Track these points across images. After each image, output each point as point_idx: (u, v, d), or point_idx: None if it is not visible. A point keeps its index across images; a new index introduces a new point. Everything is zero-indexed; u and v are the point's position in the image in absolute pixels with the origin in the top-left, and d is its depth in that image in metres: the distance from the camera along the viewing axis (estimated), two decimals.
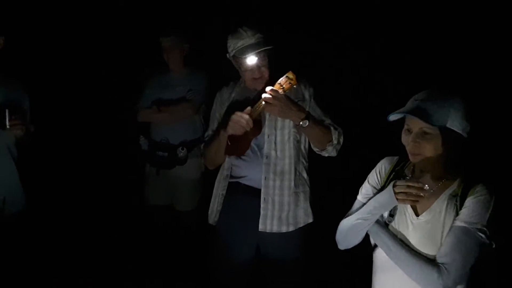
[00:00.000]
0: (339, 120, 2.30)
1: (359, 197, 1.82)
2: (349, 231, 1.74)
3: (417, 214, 1.61)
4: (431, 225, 1.57)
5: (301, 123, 2.08)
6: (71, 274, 3.24)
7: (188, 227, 3.39)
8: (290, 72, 2.05)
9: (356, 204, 1.81)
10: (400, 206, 1.64)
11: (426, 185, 1.55)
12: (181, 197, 3.37)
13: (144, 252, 3.41)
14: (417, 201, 1.55)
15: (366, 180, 1.83)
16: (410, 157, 1.59)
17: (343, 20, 3.48)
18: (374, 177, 1.80)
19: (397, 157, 1.77)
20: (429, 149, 1.53)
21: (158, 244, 3.42)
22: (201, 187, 3.36)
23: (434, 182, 1.61)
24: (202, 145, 2.47)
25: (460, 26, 3.22)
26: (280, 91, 2.04)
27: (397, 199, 1.57)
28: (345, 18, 3.50)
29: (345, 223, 1.75)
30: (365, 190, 1.81)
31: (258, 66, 2.24)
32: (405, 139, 1.59)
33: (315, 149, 2.30)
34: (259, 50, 2.19)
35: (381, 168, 1.80)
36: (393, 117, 1.55)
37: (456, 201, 1.55)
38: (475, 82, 3.14)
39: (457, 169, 1.60)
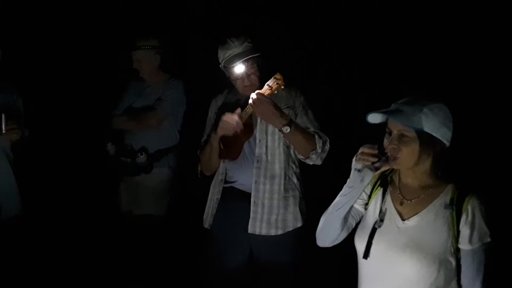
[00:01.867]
0: (329, 128, 2.39)
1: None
2: (325, 221, 1.77)
3: (403, 219, 1.64)
4: (419, 231, 1.59)
5: (282, 128, 2.19)
6: (67, 277, 3.27)
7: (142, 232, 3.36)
8: (278, 73, 2.18)
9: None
10: (388, 211, 1.68)
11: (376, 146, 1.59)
12: (142, 203, 3.36)
13: (138, 256, 3.39)
14: (371, 163, 1.57)
15: None
16: (391, 163, 1.61)
17: (339, 24, 3.55)
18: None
19: None
20: (407, 153, 1.56)
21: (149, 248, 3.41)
22: (166, 197, 3.40)
23: (421, 189, 1.64)
24: (198, 150, 2.57)
25: (455, 29, 3.26)
26: (268, 92, 2.17)
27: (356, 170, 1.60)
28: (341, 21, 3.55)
29: (323, 216, 1.79)
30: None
31: (247, 74, 2.36)
32: (386, 143, 1.62)
33: (300, 157, 2.40)
34: (246, 58, 2.31)
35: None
36: (372, 118, 1.60)
37: (452, 209, 1.57)
38: (466, 85, 3.18)
39: (446, 177, 1.63)
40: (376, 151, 1.56)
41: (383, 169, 1.62)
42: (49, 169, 3.66)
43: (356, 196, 1.67)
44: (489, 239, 1.52)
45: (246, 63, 2.32)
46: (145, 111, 3.32)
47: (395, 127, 1.57)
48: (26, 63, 3.70)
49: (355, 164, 1.60)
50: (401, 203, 1.66)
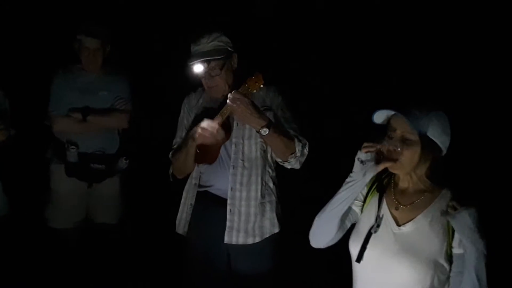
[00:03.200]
0: (309, 128, 2.37)
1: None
2: (321, 220, 1.77)
3: (398, 224, 1.66)
4: (414, 237, 1.61)
5: (261, 130, 2.13)
6: (54, 277, 3.11)
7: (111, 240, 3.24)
8: (257, 72, 2.13)
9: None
10: (385, 216, 1.70)
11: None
12: (102, 209, 3.18)
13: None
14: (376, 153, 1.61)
15: None
16: (389, 167, 1.64)
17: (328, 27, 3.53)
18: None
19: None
20: (408, 156, 1.58)
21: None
22: (124, 201, 3.26)
23: (416, 194, 1.67)
24: (171, 153, 2.48)
25: (450, 32, 3.35)
26: (246, 91, 2.12)
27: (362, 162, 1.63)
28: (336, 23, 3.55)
29: (317, 216, 1.79)
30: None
31: (209, 75, 2.29)
32: (384, 145, 1.62)
33: (278, 160, 2.35)
34: (204, 59, 2.24)
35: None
36: (377, 117, 1.63)
37: (446, 216, 1.58)
38: (461, 90, 3.27)
39: (440, 182, 1.66)
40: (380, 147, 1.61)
41: (382, 166, 1.62)
42: (35, 169, 3.39)
43: (356, 192, 1.70)
44: (481, 246, 1.52)
45: (206, 64, 2.25)
46: (104, 111, 3.05)
47: (400, 127, 1.59)
48: (10, 63, 3.46)
49: (359, 154, 1.64)
50: (397, 208, 1.69)
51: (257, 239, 2.36)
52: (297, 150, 2.25)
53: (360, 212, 1.80)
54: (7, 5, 3.59)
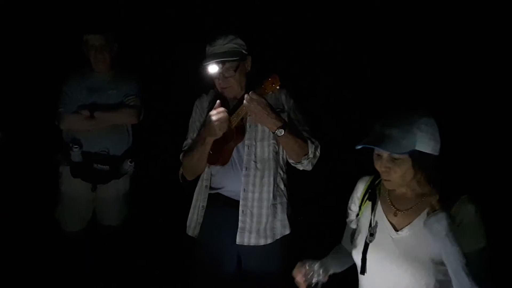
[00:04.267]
0: (318, 133, 2.40)
1: (347, 220, 1.95)
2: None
3: (396, 229, 1.68)
4: (413, 241, 1.63)
5: (276, 131, 2.17)
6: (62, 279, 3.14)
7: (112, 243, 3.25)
8: (274, 74, 2.17)
9: (346, 229, 1.95)
10: (380, 224, 1.72)
11: None
12: (108, 211, 3.21)
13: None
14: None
15: (349, 203, 1.93)
16: (384, 183, 1.69)
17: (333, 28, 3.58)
18: (352, 201, 1.90)
19: (372, 176, 1.85)
20: (400, 173, 1.61)
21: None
22: (129, 202, 3.27)
23: (415, 198, 1.68)
24: (181, 154, 2.50)
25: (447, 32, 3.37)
26: (262, 92, 2.16)
27: None
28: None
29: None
30: (348, 214, 1.93)
31: (223, 76, 2.32)
32: (377, 164, 1.66)
33: (290, 161, 2.39)
34: (219, 60, 2.27)
35: (356, 190, 1.89)
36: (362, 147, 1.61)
37: (445, 215, 1.56)
38: (455, 89, 3.31)
39: (439, 183, 1.67)
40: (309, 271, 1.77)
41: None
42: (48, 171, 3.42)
43: None
44: (483, 244, 1.55)
45: (221, 65, 2.28)
46: (112, 108, 3.06)
47: (385, 152, 1.62)
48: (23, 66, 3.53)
49: None
50: (395, 214, 1.70)
51: (269, 240, 2.39)
52: (310, 152, 2.28)
53: (356, 223, 1.85)
54: (15, 8, 3.64)
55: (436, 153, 1.60)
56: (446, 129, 1.65)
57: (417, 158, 1.57)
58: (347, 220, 1.94)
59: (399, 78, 3.38)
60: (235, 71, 2.33)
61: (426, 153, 1.57)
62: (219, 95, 2.44)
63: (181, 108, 2.70)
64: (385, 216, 1.73)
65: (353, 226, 1.88)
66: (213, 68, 2.29)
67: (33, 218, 3.42)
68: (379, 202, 1.76)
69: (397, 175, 1.61)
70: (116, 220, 3.24)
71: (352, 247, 1.81)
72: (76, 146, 3.02)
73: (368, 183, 1.85)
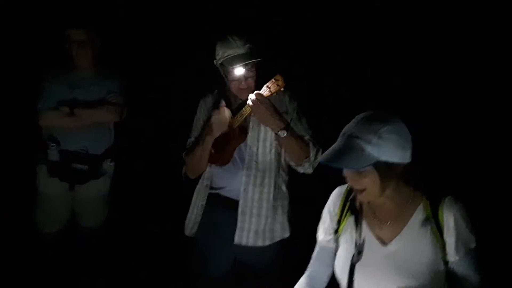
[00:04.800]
0: (321, 137, 2.39)
1: (319, 239, 1.80)
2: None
3: (384, 243, 1.58)
4: (403, 254, 1.53)
5: (279, 132, 2.19)
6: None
7: (91, 245, 3.15)
8: (278, 75, 2.18)
9: (316, 250, 1.80)
10: (367, 240, 1.61)
11: None
12: (87, 212, 3.10)
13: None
14: None
15: (321, 220, 1.80)
16: (357, 196, 1.57)
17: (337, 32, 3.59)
18: (327, 216, 1.76)
19: (348, 185, 1.71)
20: (369, 183, 1.49)
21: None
22: (108, 203, 3.18)
23: (397, 207, 1.58)
24: (184, 153, 2.49)
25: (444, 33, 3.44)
26: (267, 94, 2.17)
27: None
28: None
29: None
30: (322, 232, 1.78)
31: (245, 77, 2.32)
32: (344, 175, 1.56)
33: (291, 163, 2.41)
34: (247, 62, 2.27)
35: (332, 204, 1.76)
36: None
37: (432, 223, 1.53)
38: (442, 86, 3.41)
39: (420, 186, 1.59)
40: None
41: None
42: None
43: None
44: (474, 245, 1.53)
45: (246, 66, 2.28)
46: (94, 104, 2.94)
47: None
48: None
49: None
50: (381, 228, 1.60)
51: (267, 242, 2.39)
52: (311, 155, 2.30)
53: (334, 244, 1.72)
54: None
55: (406, 161, 1.49)
56: (428, 127, 1.62)
57: (383, 168, 1.46)
58: (321, 239, 1.78)
59: (401, 79, 3.46)
60: (256, 70, 2.34)
61: (393, 162, 1.46)
62: (223, 94, 2.44)
63: (167, 106, 2.65)
64: (370, 231, 1.61)
65: (331, 245, 1.74)
66: (239, 71, 2.29)
67: (10, 218, 3.29)
68: (361, 216, 1.64)
69: (366, 184, 1.49)
70: (94, 221, 3.14)
71: (333, 269, 1.70)
72: (54, 144, 2.92)
73: (345, 194, 1.72)
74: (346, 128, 1.52)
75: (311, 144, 2.31)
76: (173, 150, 2.60)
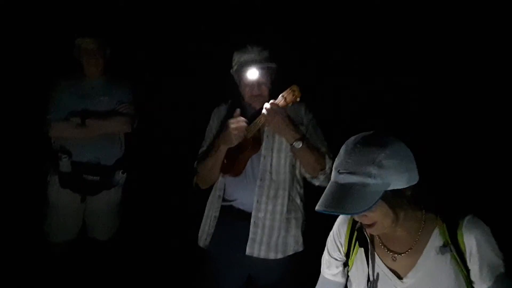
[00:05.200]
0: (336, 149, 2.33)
1: (323, 272, 1.69)
2: None
3: (400, 277, 1.45)
4: (422, 286, 1.41)
5: (294, 143, 2.16)
6: None
7: (102, 257, 3.12)
8: (294, 85, 2.15)
9: (320, 283, 1.69)
10: (381, 274, 1.49)
11: None
12: (99, 224, 3.08)
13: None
14: None
15: (326, 251, 1.67)
16: (367, 230, 1.44)
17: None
18: (333, 247, 1.64)
19: None
20: (380, 217, 1.35)
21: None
22: (120, 214, 3.15)
23: (410, 236, 1.44)
24: (196, 162, 2.46)
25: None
26: (283, 104, 2.13)
27: None
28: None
29: None
30: (327, 264, 1.66)
31: (258, 83, 2.32)
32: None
33: (306, 175, 2.36)
34: (262, 66, 2.27)
35: (337, 233, 1.62)
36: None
37: (451, 250, 1.38)
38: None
39: (428, 211, 1.44)
40: None
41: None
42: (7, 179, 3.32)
43: None
44: (503, 269, 1.36)
45: (260, 70, 2.28)
46: (104, 115, 2.93)
47: None
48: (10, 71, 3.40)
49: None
50: (394, 259, 1.46)
51: (279, 255, 2.34)
52: (327, 167, 2.26)
53: (342, 278, 1.60)
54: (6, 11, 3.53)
55: (414, 182, 1.34)
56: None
57: (392, 198, 1.32)
58: (327, 272, 1.66)
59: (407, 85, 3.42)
60: (271, 77, 2.33)
61: (400, 189, 1.32)
62: (237, 104, 2.42)
63: (177, 116, 2.62)
64: (383, 264, 1.48)
65: (338, 279, 1.63)
66: (253, 74, 2.29)
67: (21, 228, 3.27)
68: (372, 248, 1.51)
69: (377, 217, 1.35)
70: (106, 233, 3.12)
71: None
72: (65, 155, 2.89)
73: (350, 222, 1.57)
74: (338, 164, 1.35)
75: (327, 156, 2.27)
76: (184, 159, 2.58)
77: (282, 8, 3.63)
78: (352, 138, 1.38)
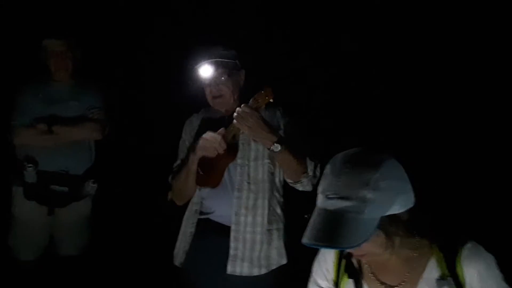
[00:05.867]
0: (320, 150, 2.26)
1: None
2: None
3: None
4: None
5: (272, 147, 2.03)
6: None
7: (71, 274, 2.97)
8: (266, 86, 2.04)
9: None
10: None
11: None
12: (67, 238, 2.95)
13: None
14: None
15: (312, 279, 1.51)
16: (356, 257, 1.32)
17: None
18: (320, 275, 1.48)
19: None
20: (375, 246, 1.20)
21: None
22: (91, 227, 3.03)
23: (403, 265, 1.29)
24: (170, 176, 2.35)
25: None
26: (254, 105, 2.03)
27: None
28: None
29: None
30: None
31: (215, 83, 2.23)
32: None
33: (289, 181, 2.25)
34: (213, 61, 2.18)
35: (323, 260, 1.47)
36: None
37: (448, 283, 1.24)
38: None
39: (422, 237, 1.28)
40: None
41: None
42: None
43: None
44: None
45: (214, 67, 2.18)
46: (73, 121, 2.81)
47: None
48: None
49: None
50: None
51: (263, 271, 2.22)
52: (309, 170, 2.15)
53: None
54: None
55: (410, 205, 1.20)
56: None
57: (388, 225, 1.17)
58: None
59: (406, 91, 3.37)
60: (228, 76, 2.23)
61: (397, 213, 1.18)
62: (208, 113, 2.34)
63: (152, 120, 2.50)
64: None
65: None
66: (205, 71, 2.18)
67: None
68: (362, 280, 1.36)
69: (371, 248, 1.20)
70: (75, 248, 2.99)
71: None
72: (31, 164, 2.77)
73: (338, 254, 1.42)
74: (324, 187, 1.19)
75: (308, 159, 2.16)
76: (160, 167, 2.46)
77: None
78: (339, 155, 1.23)
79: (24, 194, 2.81)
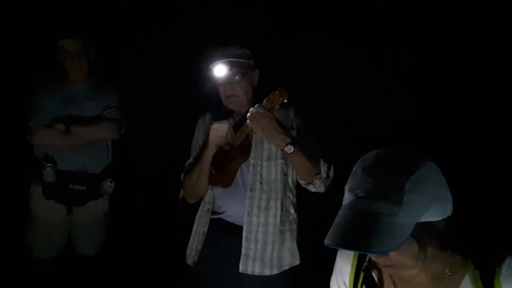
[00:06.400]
0: (331, 152, 2.26)
1: None
2: None
3: None
4: None
5: (285, 148, 2.03)
6: None
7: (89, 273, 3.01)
8: (281, 87, 2.04)
9: None
10: None
11: None
12: (85, 236, 2.98)
13: None
14: None
15: None
16: (385, 270, 1.20)
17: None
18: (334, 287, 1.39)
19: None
20: (405, 257, 1.09)
21: None
22: (108, 225, 3.05)
23: (433, 282, 1.17)
24: (182, 174, 2.35)
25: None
26: (268, 105, 2.03)
27: None
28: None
29: None
30: None
31: (229, 82, 2.23)
32: (372, 256, 1.20)
33: (301, 182, 2.25)
34: (227, 60, 2.18)
35: (340, 273, 1.36)
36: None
37: None
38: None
39: (456, 252, 1.16)
40: None
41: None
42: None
43: None
44: None
45: (228, 67, 2.18)
46: (90, 121, 2.83)
47: None
48: None
49: None
50: None
51: (275, 271, 2.22)
52: (322, 171, 2.15)
53: None
54: None
55: (448, 214, 1.10)
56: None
57: (422, 233, 1.06)
58: None
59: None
60: (242, 76, 2.22)
61: (433, 221, 1.07)
62: (222, 112, 2.33)
63: (167, 121, 2.51)
64: None
65: None
66: (220, 70, 2.18)
67: (1, 244, 3.16)
68: None
69: (403, 259, 1.09)
70: (93, 247, 3.03)
71: None
72: (49, 164, 2.78)
73: (355, 260, 1.30)
74: (354, 184, 1.08)
75: (321, 160, 2.15)
76: (175, 167, 2.46)
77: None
78: (372, 153, 1.13)
79: (43, 193, 2.84)
